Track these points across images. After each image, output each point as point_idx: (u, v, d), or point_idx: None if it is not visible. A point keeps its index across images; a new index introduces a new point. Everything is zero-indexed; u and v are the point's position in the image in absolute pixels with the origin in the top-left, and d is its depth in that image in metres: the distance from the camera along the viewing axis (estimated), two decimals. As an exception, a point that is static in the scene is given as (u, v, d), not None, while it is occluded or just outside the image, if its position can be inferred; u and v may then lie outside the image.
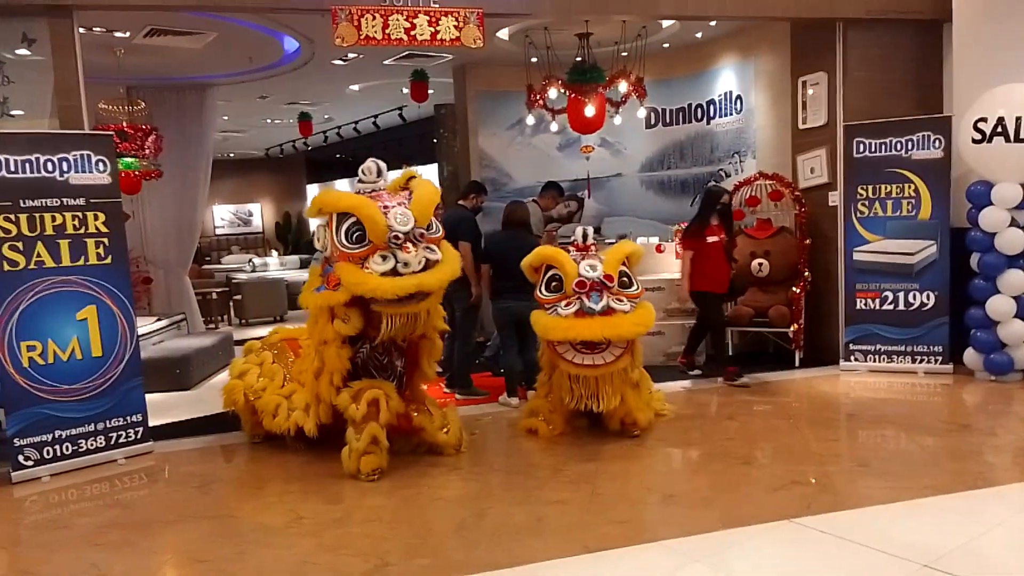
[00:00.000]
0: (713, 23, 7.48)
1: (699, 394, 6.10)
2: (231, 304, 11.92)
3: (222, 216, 19.66)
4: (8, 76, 5.23)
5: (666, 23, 7.55)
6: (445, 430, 4.68)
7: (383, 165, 4.56)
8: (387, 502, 4.02)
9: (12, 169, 4.58)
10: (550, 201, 7.78)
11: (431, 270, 4.20)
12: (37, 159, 4.66)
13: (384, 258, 4.10)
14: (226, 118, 12.07)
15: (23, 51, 5.17)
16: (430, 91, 9.26)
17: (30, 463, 4.61)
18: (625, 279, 4.79)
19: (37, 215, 4.64)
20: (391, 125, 13.28)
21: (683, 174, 8.88)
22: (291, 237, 19.27)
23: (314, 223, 4.64)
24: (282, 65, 8.64)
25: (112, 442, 4.91)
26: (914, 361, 6.29)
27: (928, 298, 6.22)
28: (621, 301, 4.67)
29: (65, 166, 4.73)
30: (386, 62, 8.72)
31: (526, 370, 5.96)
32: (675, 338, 6.88)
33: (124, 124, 7.48)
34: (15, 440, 4.57)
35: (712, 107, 8.52)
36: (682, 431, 5.11)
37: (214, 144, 9.93)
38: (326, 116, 12.94)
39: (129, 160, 7.47)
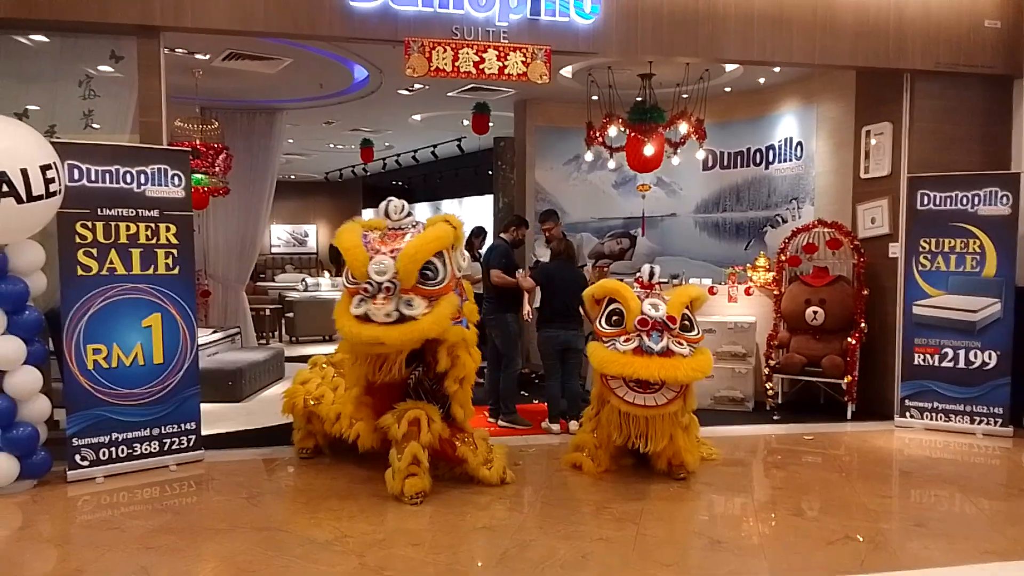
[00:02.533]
0: (777, 69, 7.49)
1: (747, 440, 5.99)
2: (283, 321, 12.15)
3: (279, 235, 20.14)
4: (94, 90, 5.50)
5: (729, 67, 7.58)
6: (488, 465, 4.67)
7: (407, 205, 4.68)
8: (430, 526, 4.04)
9: (93, 178, 4.81)
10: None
11: (399, 325, 4.12)
12: (117, 170, 4.88)
13: (361, 301, 4.17)
14: (291, 141, 12.44)
15: (106, 67, 5.44)
16: (490, 124, 9.42)
17: (86, 463, 4.76)
18: (687, 322, 4.77)
19: (113, 224, 4.85)
20: (449, 155, 13.51)
21: (738, 217, 8.84)
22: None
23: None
24: (350, 93, 8.90)
25: (166, 448, 5.03)
26: (972, 421, 6.09)
27: (990, 357, 6.03)
28: (681, 344, 4.64)
29: (143, 178, 4.94)
30: (450, 94, 8.92)
31: (566, 399, 6.02)
32: (724, 381, 6.79)
33: (197, 142, 7.76)
34: (73, 440, 4.73)
35: (771, 152, 8.49)
36: (729, 477, 5.02)
37: (278, 166, 10.22)
38: (387, 143, 13.24)
39: (199, 176, 7.74)
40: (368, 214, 20.04)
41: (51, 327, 4.83)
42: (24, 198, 4.22)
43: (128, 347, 4.88)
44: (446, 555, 3.67)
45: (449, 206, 15.79)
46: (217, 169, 7.90)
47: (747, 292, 7.22)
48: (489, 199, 11.87)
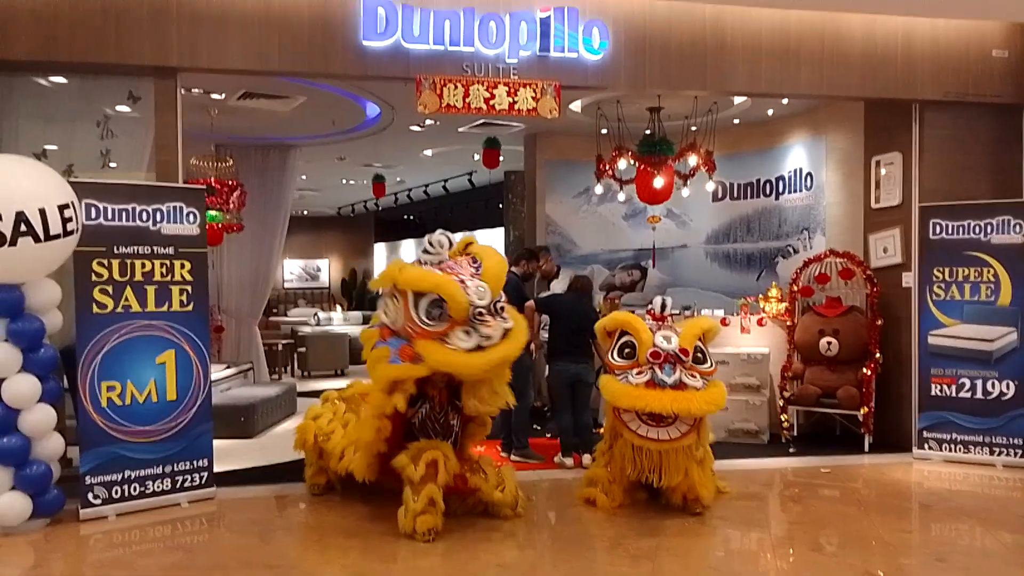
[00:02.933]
0: (785, 100, 7.54)
1: (762, 473, 5.92)
2: (295, 356, 12.18)
3: (291, 270, 20.27)
4: (112, 130, 5.61)
5: (737, 99, 7.64)
6: (501, 488, 4.65)
7: (454, 238, 4.62)
8: (443, 564, 3.99)
9: (110, 217, 4.86)
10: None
11: (508, 338, 4.25)
12: (133, 208, 4.93)
13: (467, 333, 4.13)
14: (304, 177, 12.58)
15: (123, 107, 5.55)
16: (501, 158, 9.50)
17: (98, 501, 4.75)
18: (700, 355, 4.74)
19: (128, 261, 4.89)
20: (460, 189, 13.62)
21: (749, 248, 8.83)
22: (355, 293, 19.70)
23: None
24: (362, 129, 9.03)
25: (178, 485, 5.02)
26: (992, 453, 6.00)
27: (1008, 387, 5.96)
28: (694, 377, 4.61)
29: (159, 216, 5.00)
30: (460, 129, 9.02)
31: (578, 433, 6.00)
32: (739, 413, 6.73)
33: (212, 179, 7.87)
34: (87, 478, 4.72)
35: (781, 183, 8.51)
36: (745, 511, 4.95)
37: (291, 201, 10.34)
38: (399, 179, 13.38)
39: (214, 213, 7.83)
40: (380, 248, 20.18)
41: (66, 364, 4.86)
42: (42, 237, 4.27)
43: (142, 384, 4.90)
44: (459, 593, 3.63)
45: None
46: (231, 206, 8.00)
47: (760, 323, 7.18)
48: (500, 232, 11.94)
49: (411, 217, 17.73)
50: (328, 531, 4.55)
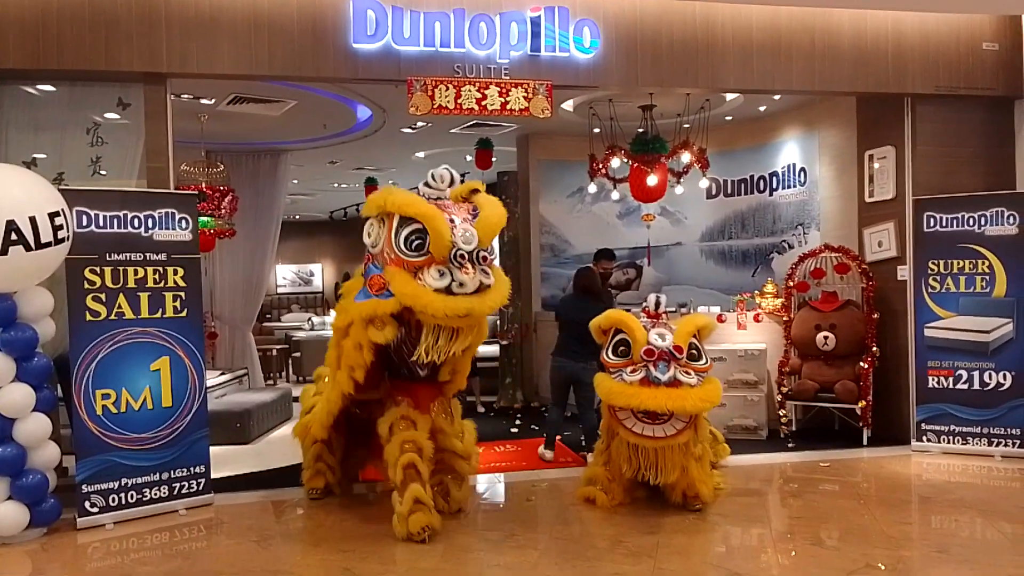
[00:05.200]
0: (777, 97, 7.54)
1: (761, 469, 5.91)
2: (290, 361, 12.13)
3: (284, 275, 20.21)
4: (102, 137, 5.57)
5: (729, 96, 7.64)
6: (460, 438, 4.73)
7: (456, 175, 4.43)
8: (443, 566, 3.97)
9: (101, 224, 4.83)
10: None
11: (483, 293, 4.07)
12: (125, 215, 4.91)
13: (441, 274, 3.98)
14: (296, 181, 12.53)
15: (112, 115, 5.52)
16: (493, 159, 9.48)
17: (95, 510, 4.72)
18: (695, 351, 4.73)
19: (121, 268, 4.86)
20: (453, 191, 13.59)
21: (744, 244, 8.84)
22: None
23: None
24: (354, 132, 8.99)
25: (175, 492, 4.99)
26: (990, 443, 6.01)
27: (1004, 378, 5.97)
28: (689, 374, 4.61)
29: (151, 223, 4.97)
30: (453, 131, 9.00)
31: (584, 434, 6.07)
32: (737, 410, 6.73)
33: (204, 185, 7.83)
34: (83, 486, 4.70)
35: (775, 179, 8.51)
36: (745, 507, 4.94)
37: (284, 206, 10.30)
38: (391, 181, 13.30)
39: (205, 219, 7.79)
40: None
41: (59, 373, 4.82)
42: (33, 245, 4.24)
43: (137, 391, 4.87)
44: (460, 595, 3.61)
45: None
46: (223, 211, 7.96)
47: (756, 319, 7.18)
48: (494, 233, 11.94)
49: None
50: (327, 535, 4.52)
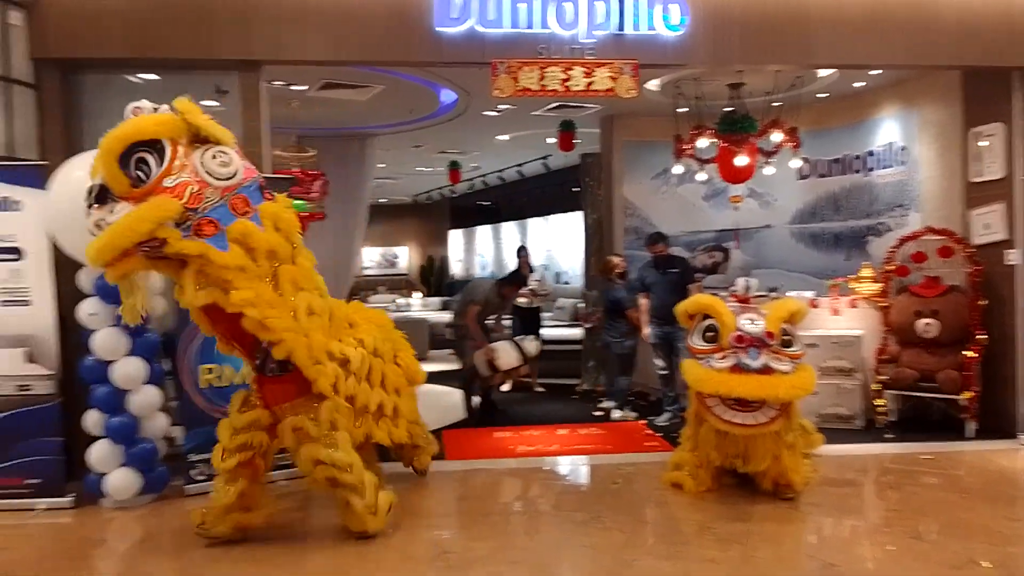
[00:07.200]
0: (873, 72, 7.20)
1: (856, 459, 5.71)
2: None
3: (370, 258, 20.67)
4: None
5: (822, 73, 7.35)
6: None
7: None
8: (532, 544, 4.02)
9: (204, 208, 5.04)
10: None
11: (114, 225, 3.45)
12: (225, 199, 5.10)
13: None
14: (382, 165, 12.77)
15: (210, 102, 5.74)
16: (576, 141, 9.42)
17: (202, 478, 4.96)
18: (787, 337, 4.61)
19: (222, 250, 5.07)
20: (534, 173, 13.58)
21: (838, 227, 8.51)
22: (433, 280, 19.97)
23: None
24: (438, 116, 9.09)
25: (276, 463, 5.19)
26: (1109, 439, 5.64)
27: None
28: (781, 360, 4.49)
29: (249, 206, 5.15)
30: (535, 113, 8.97)
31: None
32: (830, 398, 6.51)
33: (296, 170, 8.08)
34: (189, 456, 4.96)
35: (872, 158, 8.15)
36: (839, 497, 4.80)
37: (371, 190, 10.53)
38: (473, 165, 13.43)
39: (298, 202, 8.03)
40: (456, 235, 20.36)
41: (166, 349, 5.09)
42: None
43: (238, 366, 5.08)
44: (550, 572, 3.64)
45: (535, 224, 15.86)
46: (314, 195, 8.19)
47: (851, 304, 6.92)
48: (575, 216, 11.86)
49: (486, 203, 17.80)
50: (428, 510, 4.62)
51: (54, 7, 5.29)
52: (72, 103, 5.56)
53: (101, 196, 3.50)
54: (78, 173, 3.99)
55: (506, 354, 7.18)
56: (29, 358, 4.71)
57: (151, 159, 3.51)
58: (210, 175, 3.63)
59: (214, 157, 3.67)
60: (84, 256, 3.72)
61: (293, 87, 7.61)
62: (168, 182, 3.51)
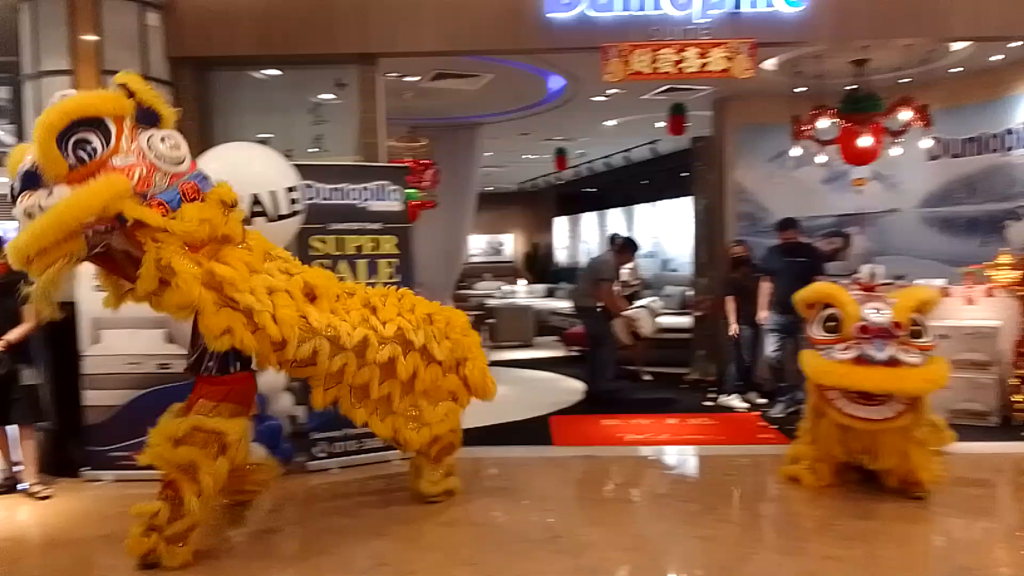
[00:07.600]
0: (1012, 45, 6.65)
1: (991, 459, 5.35)
2: (487, 327, 12.63)
3: (477, 245, 20.99)
4: (322, 116, 6.07)
5: (956, 46, 6.86)
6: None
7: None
8: (644, 532, 4.01)
9: (325, 196, 5.27)
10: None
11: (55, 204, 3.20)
12: (344, 188, 5.32)
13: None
14: (489, 154, 12.92)
15: (327, 96, 5.97)
16: (687, 124, 9.21)
17: (323, 455, 5.22)
18: (917, 328, 4.36)
19: (341, 237, 5.29)
20: (641, 159, 13.38)
21: (972, 210, 7.95)
22: (538, 267, 20.07)
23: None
24: (545, 103, 9.10)
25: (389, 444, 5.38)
26: None
27: None
28: (910, 352, 4.24)
29: (366, 194, 5.35)
30: (644, 97, 8.83)
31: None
32: (963, 393, 6.10)
33: (410, 159, 8.31)
34: (311, 434, 5.21)
35: (1010, 137, 7.56)
36: (971, 498, 4.52)
37: (479, 178, 10.68)
38: (579, 151, 13.37)
39: (411, 191, 8.27)
40: (561, 222, 20.35)
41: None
42: (273, 216, 4.69)
43: (356, 350, 5.28)
44: (663, 561, 3.62)
45: (643, 210, 15.65)
46: (426, 184, 8.40)
47: (988, 293, 6.46)
48: (683, 201, 11.62)
49: (593, 189, 17.69)
50: (530, 493, 4.67)
51: (188, 8, 5.63)
52: (205, 99, 5.91)
53: (31, 180, 3.23)
54: (214, 165, 4.22)
55: (646, 322, 7.35)
56: (169, 339, 5.05)
57: (95, 138, 3.24)
58: (159, 159, 3.39)
59: (163, 140, 3.43)
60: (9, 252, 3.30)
61: (406, 78, 7.80)
62: (116, 161, 3.27)
